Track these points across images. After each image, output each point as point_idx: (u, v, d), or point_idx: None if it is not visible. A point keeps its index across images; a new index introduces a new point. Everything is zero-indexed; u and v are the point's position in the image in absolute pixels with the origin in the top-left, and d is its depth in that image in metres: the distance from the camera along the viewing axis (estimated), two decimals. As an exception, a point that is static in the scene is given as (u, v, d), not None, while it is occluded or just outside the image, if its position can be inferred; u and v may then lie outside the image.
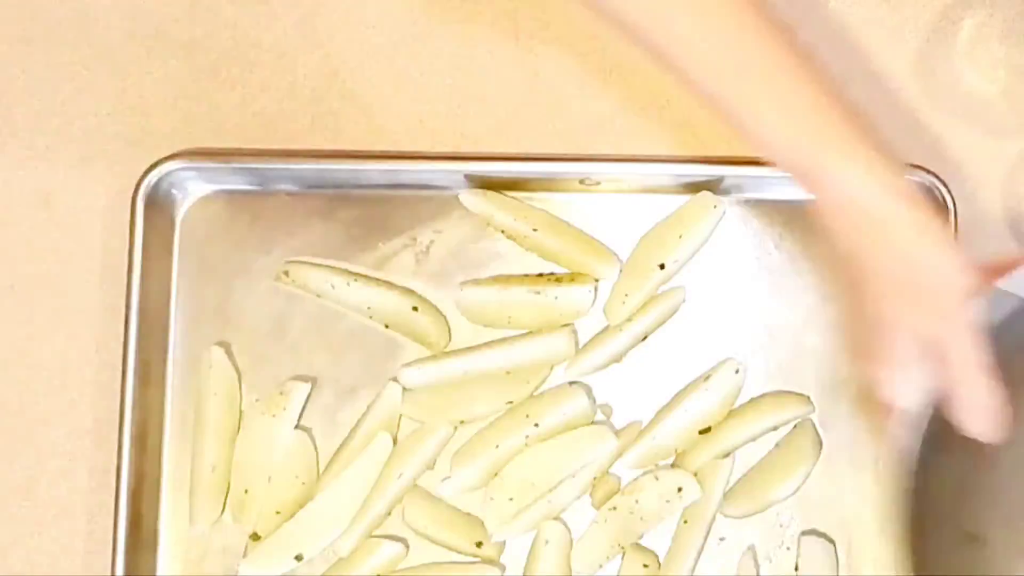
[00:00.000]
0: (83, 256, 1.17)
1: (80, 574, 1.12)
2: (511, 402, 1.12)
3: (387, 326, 1.15)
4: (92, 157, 1.18)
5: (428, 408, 1.13)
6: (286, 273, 1.15)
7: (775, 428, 1.13)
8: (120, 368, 1.11)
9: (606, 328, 1.14)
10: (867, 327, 0.95)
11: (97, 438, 1.14)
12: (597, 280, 1.15)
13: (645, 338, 1.14)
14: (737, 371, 1.13)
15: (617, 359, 1.14)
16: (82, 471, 1.14)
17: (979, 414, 0.93)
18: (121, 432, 1.10)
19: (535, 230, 1.15)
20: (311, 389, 1.14)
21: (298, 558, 1.11)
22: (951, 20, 1.19)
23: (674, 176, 1.15)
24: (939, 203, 1.11)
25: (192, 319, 1.15)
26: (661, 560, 1.11)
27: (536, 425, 1.11)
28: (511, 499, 1.10)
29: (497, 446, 1.11)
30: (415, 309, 1.15)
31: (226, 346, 1.14)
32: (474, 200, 1.15)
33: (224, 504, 1.12)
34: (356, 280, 1.15)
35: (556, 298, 1.13)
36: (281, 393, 1.14)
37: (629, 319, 1.13)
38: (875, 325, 0.94)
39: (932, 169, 1.13)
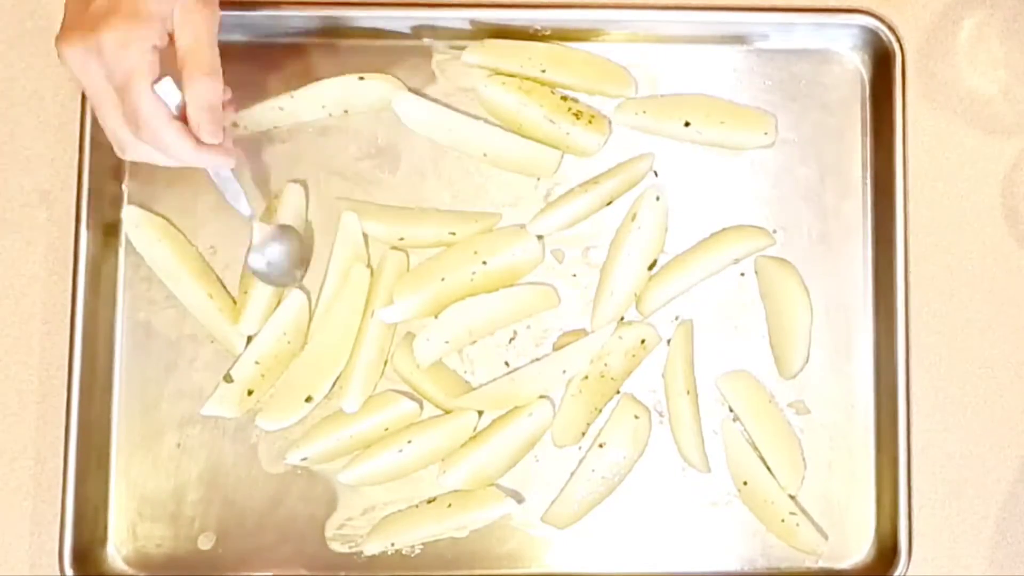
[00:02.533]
0: (34, 106, 1.15)
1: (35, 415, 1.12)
2: (454, 233, 1.13)
3: (346, 111, 1.15)
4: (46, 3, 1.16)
5: (375, 225, 1.14)
6: (235, 124, 1.14)
7: (736, 261, 1.14)
8: (73, 215, 1.11)
9: (571, 189, 1.14)
10: None
11: (47, 283, 1.13)
12: (611, 125, 1.16)
13: (611, 202, 1.15)
14: (658, 198, 1.13)
15: (582, 219, 1.14)
16: (36, 319, 1.13)
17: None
18: (76, 274, 1.10)
19: (543, 71, 1.15)
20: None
21: (308, 400, 1.12)
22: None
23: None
24: (886, 49, 1.14)
25: (145, 169, 1.11)
26: (652, 412, 1.14)
27: (484, 263, 1.12)
28: (447, 342, 1.12)
29: (443, 279, 1.11)
30: (361, 79, 1.14)
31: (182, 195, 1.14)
32: (476, 55, 1.15)
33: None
34: (297, 89, 1.14)
35: (568, 134, 1.14)
36: (276, 197, 1.14)
37: (596, 182, 1.14)
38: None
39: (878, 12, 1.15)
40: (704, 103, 1.15)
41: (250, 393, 1.11)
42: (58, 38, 0.94)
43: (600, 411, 1.12)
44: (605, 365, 1.11)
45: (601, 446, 1.11)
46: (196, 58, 0.95)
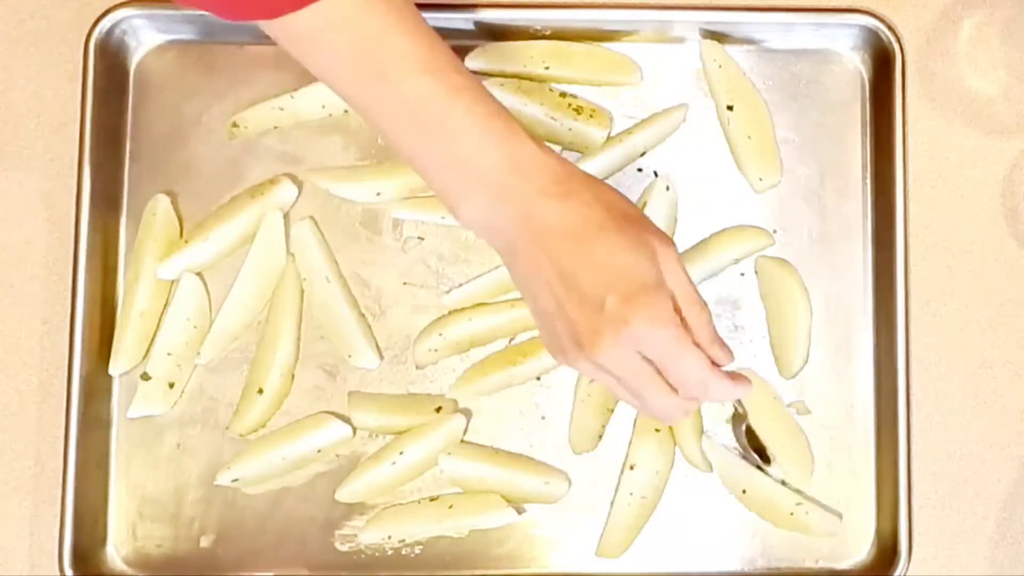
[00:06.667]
0: (35, 104, 1.15)
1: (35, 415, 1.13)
2: None
3: (346, 111, 1.14)
4: (46, 3, 1.16)
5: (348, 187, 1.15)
6: (235, 125, 1.14)
7: (736, 261, 1.14)
8: (73, 215, 1.11)
9: (607, 139, 1.15)
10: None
11: (47, 283, 1.13)
12: (612, 119, 1.16)
13: (644, 153, 1.15)
14: (668, 188, 1.14)
15: (616, 171, 1.15)
16: (36, 319, 1.13)
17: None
18: (76, 274, 1.10)
19: (547, 67, 1.15)
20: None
21: (260, 392, 1.11)
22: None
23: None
24: (886, 49, 1.15)
25: (145, 169, 1.15)
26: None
27: None
28: (435, 350, 1.13)
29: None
30: None
31: (173, 196, 1.14)
32: (478, 61, 1.15)
33: (147, 350, 1.12)
34: (297, 89, 1.14)
35: (570, 129, 1.14)
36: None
37: (629, 132, 1.15)
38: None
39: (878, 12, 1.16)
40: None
41: (172, 386, 1.11)
42: (588, 346, 0.91)
43: (612, 411, 1.12)
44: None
45: (632, 468, 1.11)
46: (690, 298, 0.94)
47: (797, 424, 1.12)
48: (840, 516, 1.11)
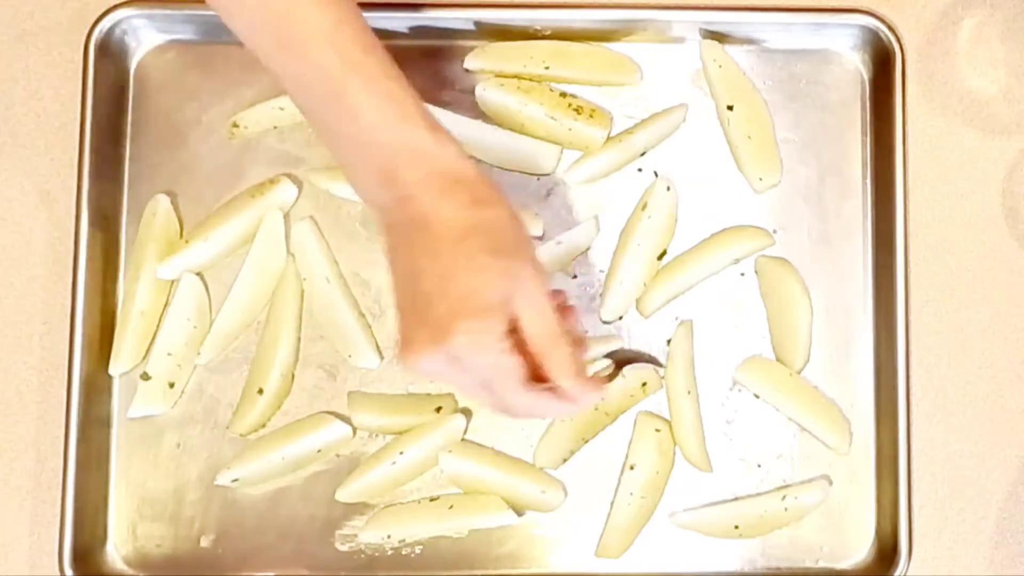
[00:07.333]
0: (35, 103, 1.15)
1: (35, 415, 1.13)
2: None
3: None
4: (46, 3, 1.16)
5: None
6: (235, 125, 1.14)
7: (736, 261, 1.14)
8: (73, 215, 1.11)
9: (607, 139, 1.15)
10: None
11: (47, 283, 1.13)
12: (612, 119, 1.16)
13: (644, 153, 1.15)
14: (669, 188, 1.14)
15: (615, 170, 1.15)
16: (36, 319, 1.13)
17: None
18: (76, 274, 1.10)
19: (547, 67, 1.15)
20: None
21: (260, 392, 1.11)
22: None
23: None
24: (886, 49, 1.15)
25: (145, 169, 1.15)
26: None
27: None
28: None
29: None
30: None
31: (173, 196, 1.14)
32: (478, 61, 1.15)
33: (148, 350, 1.12)
34: None
35: (570, 129, 1.14)
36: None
37: (630, 132, 1.15)
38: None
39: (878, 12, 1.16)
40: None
41: (172, 386, 1.11)
42: (404, 351, 0.89)
43: (587, 442, 1.12)
44: (601, 399, 1.10)
45: (632, 468, 1.11)
46: (548, 337, 0.91)
47: (822, 393, 1.12)
48: (830, 481, 1.12)
